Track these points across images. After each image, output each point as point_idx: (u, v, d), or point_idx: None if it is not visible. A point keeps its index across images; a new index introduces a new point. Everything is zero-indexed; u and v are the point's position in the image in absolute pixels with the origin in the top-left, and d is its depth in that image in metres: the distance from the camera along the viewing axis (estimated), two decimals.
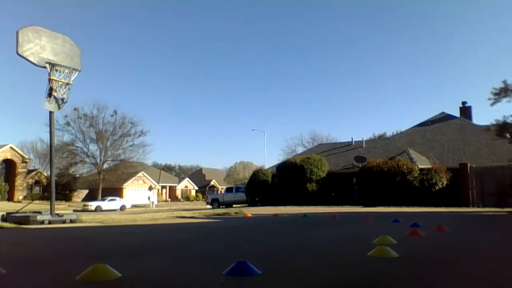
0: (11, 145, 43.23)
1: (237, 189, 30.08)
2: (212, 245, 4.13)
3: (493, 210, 13.86)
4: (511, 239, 4.68)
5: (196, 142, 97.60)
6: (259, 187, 25.53)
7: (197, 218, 9.91)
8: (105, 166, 42.75)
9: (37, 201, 25.26)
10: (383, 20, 74.53)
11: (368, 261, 2.85)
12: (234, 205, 26.11)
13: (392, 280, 2.23)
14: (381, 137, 43.22)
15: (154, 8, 78.26)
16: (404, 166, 20.15)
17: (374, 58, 78.11)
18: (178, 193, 58.15)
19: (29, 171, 45.18)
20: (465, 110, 28.85)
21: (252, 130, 65.29)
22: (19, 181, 42.61)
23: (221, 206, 27.04)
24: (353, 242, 4.31)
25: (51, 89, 8.87)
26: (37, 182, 45.84)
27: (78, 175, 43.91)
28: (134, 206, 36.01)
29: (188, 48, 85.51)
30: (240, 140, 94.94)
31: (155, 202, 39.45)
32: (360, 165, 22.79)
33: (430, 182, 19.41)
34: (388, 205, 18.29)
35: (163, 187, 54.88)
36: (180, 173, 76.00)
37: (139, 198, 42.56)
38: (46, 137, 41.95)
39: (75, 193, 43.74)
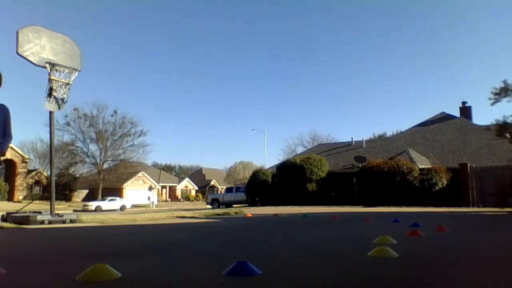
0: (11, 144, 43.05)
1: (237, 189, 30.09)
2: (212, 245, 4.13)
3: (493, 210, 13.87)
4: (511, 239, 4.68)
5: (196, 142, 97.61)
6: (259, 187, 25.54)
7: (197, 218, 9.91)
8: (105, 166, 42.76)
9: (37, 201, 25.29)
10: (383, 20, 74.55)
11: (368, 261, 2.85)
12: (234, 205, 26.12)
13: (392, 280, 2.23)
14: (381, 137, 43.23)
15: (154, 8, 78.27)
16: (404, 166, 20.16)
17: (374, 58, 78.13)
18: (178, 193, 58.17)
19: (29, 171, 45.18)
20: (465, 110, 28.86)
21: (252, 130, 65.33)
22: (19, 181, 42.61)
23: (221, 206, 27.04)
24: (353, 242, 4.31)
25: (51, 89, 8.88)
26: (37, 182, 45.85)
27: (78, 175, 43.91)
28: (134, 206, 36.01)
29: (188, 48, 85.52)
30: (240, 140, 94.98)
31: (155, 202, 39.47)
32: (360, 165, 22.80)
33: (430, 182, 19.42)
34: (388, 205, 18.30)
35: (163, 187, 54.89)
36: (180, 173, 76.03)
37: (139, 198, 42.59)
38: (46, 137, 41.93)
39: (75, 193, 43.75)
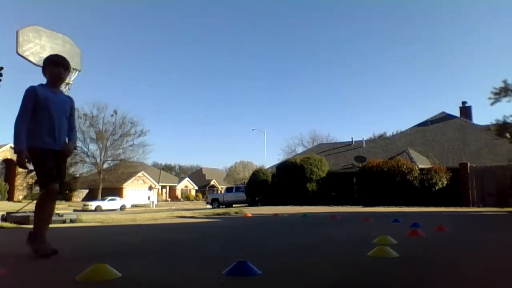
0: (11, 144, 43.21)
1: (237, 189, 30.07)
2: (212, 245, 4.13)
3: (493, 210, 13.87)
4: (511, 239, 4.68)
5: (196, 142, 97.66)
6: (259, 187, 25.52)
7: (197, 218, 9.91)
8: (105, 166, 42.75)
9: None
10: (383, 20, 74.52)
11: (368, 261, 2.85)
12: (234, 205, 26.12)
13: (392, 280, 2.23)
14: (381, 137, 43.23)
15: (154, 8, 78.22)
16: (404, 166, 20.16)
17: (374, 58, 78.12)
18: (178, 193, 58.12)
19: (29, 171, 45.12)
20: (465, 110, 28.86)
21: (252, 130, 65.39)
22: (19, 181, 42.58)
23: (221, 206, 27.04)
24: (353, 242, 4.31)
25: None
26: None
27: (78, 175, 43.91)
28: (134, 206, 35.99)
29: (188, 48, 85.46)
30: (240, 140, 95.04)
31: (155, 202, 39.47)
32: (360, 165, 22.80)
33: (430, 182, 19.43)
34: (388, 205, 18.31)
35: (163, 187, 54.84)
36: (180, 173, 76.02)
37: (139, 198, 42.58)
38: None
39: (75, 193, 43.74)
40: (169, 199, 53.65)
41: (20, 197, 39.41)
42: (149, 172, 50.60)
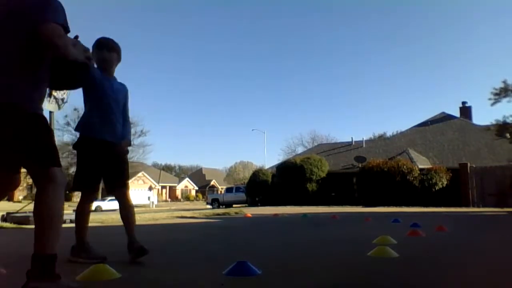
0: None
1: (237, 189, 30.06)
2: (212, 245, 4.13)
3: (493, 210, 13.88)
4: (511, 239, 4.68)
5: (196, 142, 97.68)
6: (259, 187, 25.52)
7: (197, 218, 9.91)
8: None
9: None
10: (383, 20, 74.58)
11: (368, 261, 2.85)
12: (234, 205, 26.11)
13: (392, 280, 2.23)
14: (381, 137, 43.24)
15: (154, 8, 78.28)
16: (404, 166, 20.16)
17: (374, 58, 78.18)
18: (178, 193, 58.11)
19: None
20: (465, 110, 28.86)
21: (252, 130, 65.35)
22: None
23: (221, 206, 27.03)
24: (353, 242, 4.31)
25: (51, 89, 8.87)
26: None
27: None
28: (134, 206, 35.98)
29: (188, 48, 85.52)
30: (240, 140, 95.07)
31: (155, 202, 39.45)
32: (360, 165, 22.80)
33: (430, 182, 19.42)
34: (388, 205, 18.30)
35: (163, 187, 54.83)
36: (180, 173, 76.01)
37: (139, 198, 42.55)
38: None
39: (75, 193, 43.73)
40: (169, 199, 53.67)
41: (20, 197, 39.36)
42: (149, 172, 50.60)
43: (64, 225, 7.09)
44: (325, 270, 2.56)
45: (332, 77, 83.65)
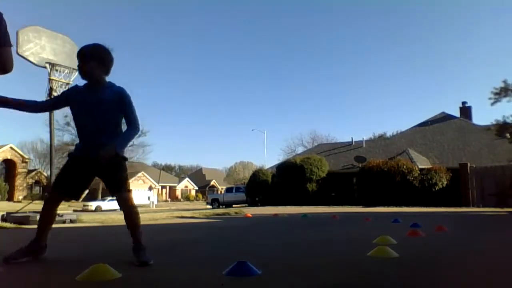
0: (11, 145, 43.18)
1: (237, 189, 30.05)
2: (212, 245, 4.13)
3: (493, 210, 13.87)
4: (511, 239, 4.68)
5: (196, 142, 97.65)
6: (259, 187, 25.52)
7: (197, 218, 9.91)
8: None
9: (37, 201, 25.25)
10: (383, 20, 74.58)
11: (368, 261, 2.85)
12: (234, 205, 26.10)
13: (392, 280, 2.23)
14: (381, 137, 43.22)
15: (154, 8, 78.28)
16: (404, 166, 20.16)
17: (374, 58, 78.17)
18: (178, 193, 58.09)
19: (29, 171, 45.11)
20: (465, 110, 28.86)
21: (252, 130, 65.35)
22: (19, 181, 42.52)
23: (221, 206, 27.02)
24: (353, 242, 4.31)
25: (51, 89, 8.88)
26: (37, 182, 45.75)
27: None
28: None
29: (188, 48, 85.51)
30: (240, 140, 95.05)
31: (155, 202, 39.44)
32: (360, 165, 22.79)
33: (430, 182, 19.42)
34: (388, 205, 18.30)
35: (163, 187, 54.81)
36: (180, 173, 75.98)
37: (139, 198, 42.52)
38: (46, 137, 41.94)
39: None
40: (169, 200, 53.64)
41: (20, 197, 39.38)
42: (149, 172, 50.58)
43: (64, 225, 7.06)
44: (325, 270, 2.56)
45: (332, 77, 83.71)
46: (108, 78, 2.99)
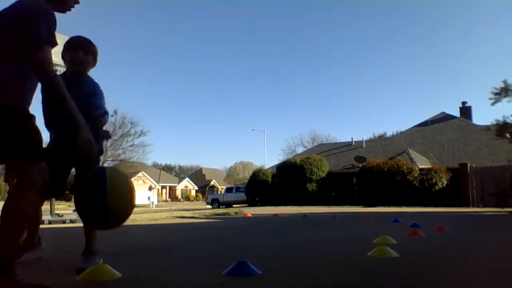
0: None
1: (237, 189, 30.04)
2: (212, 245, 4.13)
3: (493, 210, 13.87)
4: (511, 239, 4.68)
5: (196, 142, 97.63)
6: (259, 187, 25.52)
7: (197, 218, 9.91)
8: (105, 166, 42.62)
9: None
10: (383, 20, 74.60)
11: (368, 261, 2.85)
12: (234, 205, 26.10)
13: (392, 280, 2.23)
14: (381, 137, 43.23)
15: (154, 8, 78.30)
16: (404, 166, 20.15)
17: (374, 58, 78.19)
18: (178, 193, 58.08)
19: None
20: (465, 110, 28.84)
21: (252, 130, 65.35)
22: None
23: (221, 206, 27.01)
24: (353, 242, 4.31)
25: None
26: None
27: None
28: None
29: (188, 48, 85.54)
30: (240, 140, 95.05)
31: (155, 202, 39.42)
32: (360, 165, 22.79)
33: (430, 182, 19.42)
34: (388, 205, 18.30)
35: (163, 187, 54.79)
36: (180, 173, 75.99)
37: (139, 198, 42.49)
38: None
39: None
40: (169, 199, 53.64)
41: None
42: (149, 172, 50.58)
43: (64, 225, 7.04)
44: (325, 270, 2.56)
45: (332, 77, 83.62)
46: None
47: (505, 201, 16.33)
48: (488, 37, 75.12)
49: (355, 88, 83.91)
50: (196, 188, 60.58)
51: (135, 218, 9.47)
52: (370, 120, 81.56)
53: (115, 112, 41.65)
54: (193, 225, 7.93)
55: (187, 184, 60.22)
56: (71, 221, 8.41)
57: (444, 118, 27.50)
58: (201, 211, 15.45)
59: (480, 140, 22.74)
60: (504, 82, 13.45)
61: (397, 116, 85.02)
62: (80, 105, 2.64)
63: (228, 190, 31.71)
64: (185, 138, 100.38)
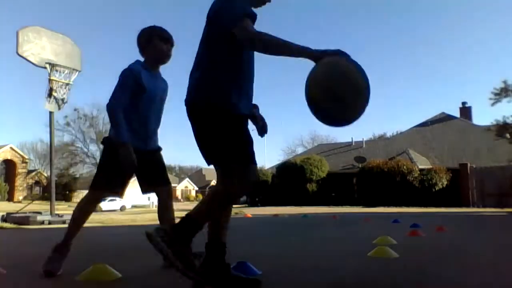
0: (11, 145, 43.14)
1: None
2: None
3: (493, 210, 13.88)
4: (511, 239, 4.68)
5: (196, 142, 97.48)
6: (259, 187, 25.56)
7: None
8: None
9: (37, 202, 25.32)
10: (383, 21, 74.59)
11: (368, 261, 2.85)
12: (234, 205, 26.04)
13: (392, 280, 2.23)
14: (381, 137, 43.21)
15: (154, 8, 78.31)
16: (404, 167, 20.16)
17: (374, 58, 78.19)
18: (178, 193, 58.06)
19: (29, 171, 45.05)
20: (465, 111, 28.83)
21: (252, 130, 65.25)
22: (19, 181, 42.47)
23: None
24: (353, 242, 4.31)
25: (51, 90, 8.88)
26: (37, 183, 45.72)
27: (78, 176, 43.83)
28: (134, 206, 35.96)
29: (188, 48, 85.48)
30: None
31: (155, 203, 39.34)
32: (360, 166, 22.78)
33: (430, 182, 19.43)
34: (388, 205, 18.30)
35: None
36: (180, 173, 75.94)
37: (139, 199, 42.40)
38: (46, 137, 41.95)
39: (75, 194, 43.69)
40: None
41: (20, 198, 39.36)
42: None
43: (64, 226, 7.06)
44: (325, 270, 2.56)
45: None
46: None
47: (505, 201, 16.34)
48: (488, 37, 75.19)
49: None
50: (196, 188, 60.52)
51: (135, 219, 9.48)
52: (370, 120, 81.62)
53: None
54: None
55: (187, 185, 60.16)
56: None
57: (444, 118, 27.49)
58: None
59: (480, 140, 22.73)
60: (504, 82, 13.46)
61: (397, 116, 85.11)
62: (161, 100, 2.73)
63: None
64: (185, 138, 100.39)
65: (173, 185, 47.54)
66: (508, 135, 14.23)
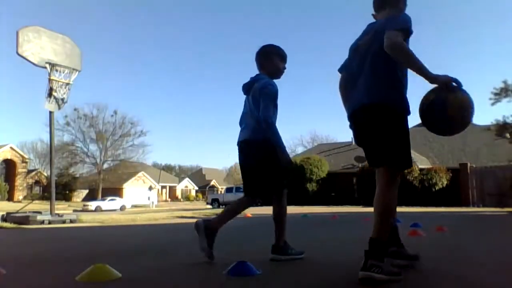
0: (11, 145, 43.16)
1: (237, 189, 30.05)
2: None
3: (493, 210, 13.87)
4: (511, 239, 4.68)
5: (196, 142, 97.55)
6: None
7: (197, 218, 9.90)
8: (105, 166, 42.71)
9: (37, 201, 25.32)
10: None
11: None
12: None
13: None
14: None
15: (154, 8, 78.30)
16: None
17: None
18: (178, 193, 58.06)
19: (29, 171, 45.09)
20: None
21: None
22: (19, 181, 42.51)
23: (221, 206, 27.02)
24: (353, 242, 4.31)
25: (51, 89, 8.89)
26: (37, 182, 45.76)
27: (78, 175, 43.85)
28: (134, 206, 35.97)
29: (188, 48, 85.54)
30: None
31: (155, 202, 39.40)
32: (360, 165, 22.77)
33: (430, 182, 19.42)
34: None
35: (163, 187, 54.76)
36: (180, 173, 75.99)
37: (139, 198, 42.49)
38: (46, 137, 41.99)
39: (75, 193, 43.71)
40: (169, 200, 53.60)
41: (20, 197, 39.37)
42: (149, 172, 50.54)
43: (64, 225, 7.06)
44: (325, 270, 2.56)
45: (332, 77, 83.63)
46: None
47: (505, 201, 16.34)
48: (488, 37, 75.21)
49: None
50: (196, 188, 60.54)
51: (135, 218, 9.48)
52: None
53: (115, 112, 41.69)
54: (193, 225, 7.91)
55: (187, 184, 60.18)
56: (71, 221, 8.41)
57: None
58: (201, 211, 15.45)
59: (480, 140, 22.74)
60: (504, 82, 13.44)
61: None
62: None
63: (228, 190, 31.68)
64: (185, 138, 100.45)
65: (173, 184, 47.55)
66: (508, 135, 14.22)
